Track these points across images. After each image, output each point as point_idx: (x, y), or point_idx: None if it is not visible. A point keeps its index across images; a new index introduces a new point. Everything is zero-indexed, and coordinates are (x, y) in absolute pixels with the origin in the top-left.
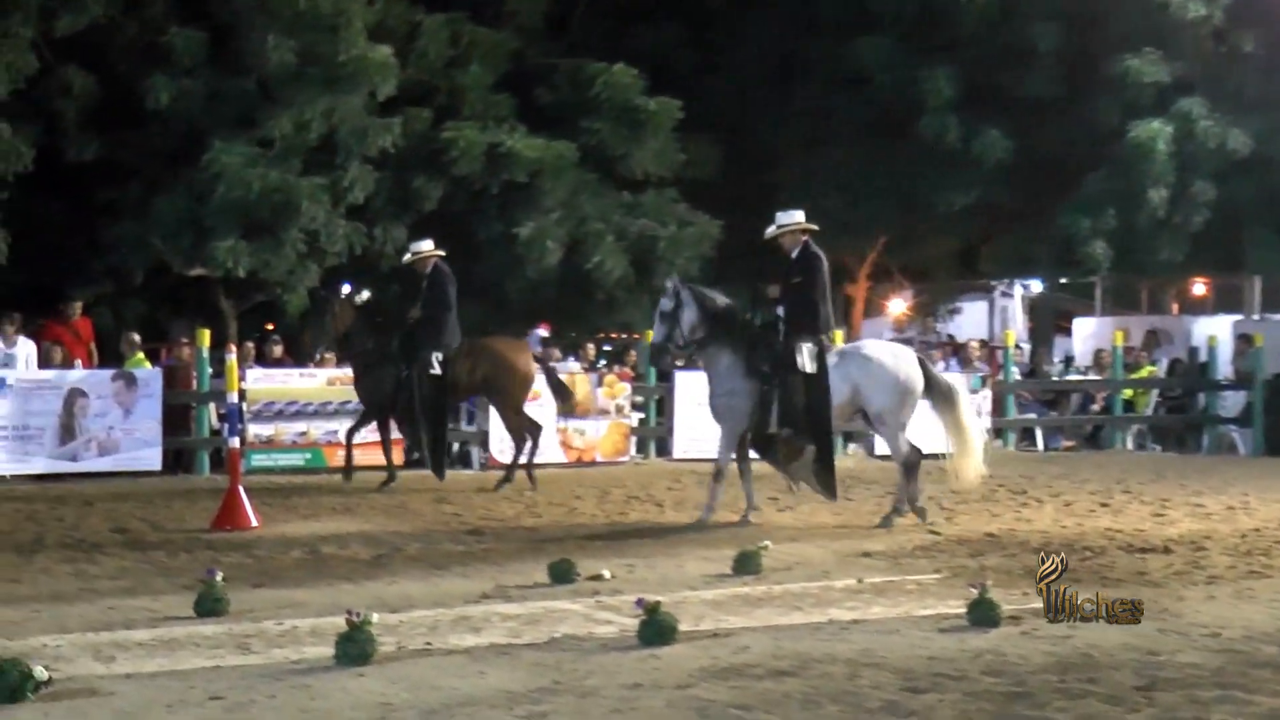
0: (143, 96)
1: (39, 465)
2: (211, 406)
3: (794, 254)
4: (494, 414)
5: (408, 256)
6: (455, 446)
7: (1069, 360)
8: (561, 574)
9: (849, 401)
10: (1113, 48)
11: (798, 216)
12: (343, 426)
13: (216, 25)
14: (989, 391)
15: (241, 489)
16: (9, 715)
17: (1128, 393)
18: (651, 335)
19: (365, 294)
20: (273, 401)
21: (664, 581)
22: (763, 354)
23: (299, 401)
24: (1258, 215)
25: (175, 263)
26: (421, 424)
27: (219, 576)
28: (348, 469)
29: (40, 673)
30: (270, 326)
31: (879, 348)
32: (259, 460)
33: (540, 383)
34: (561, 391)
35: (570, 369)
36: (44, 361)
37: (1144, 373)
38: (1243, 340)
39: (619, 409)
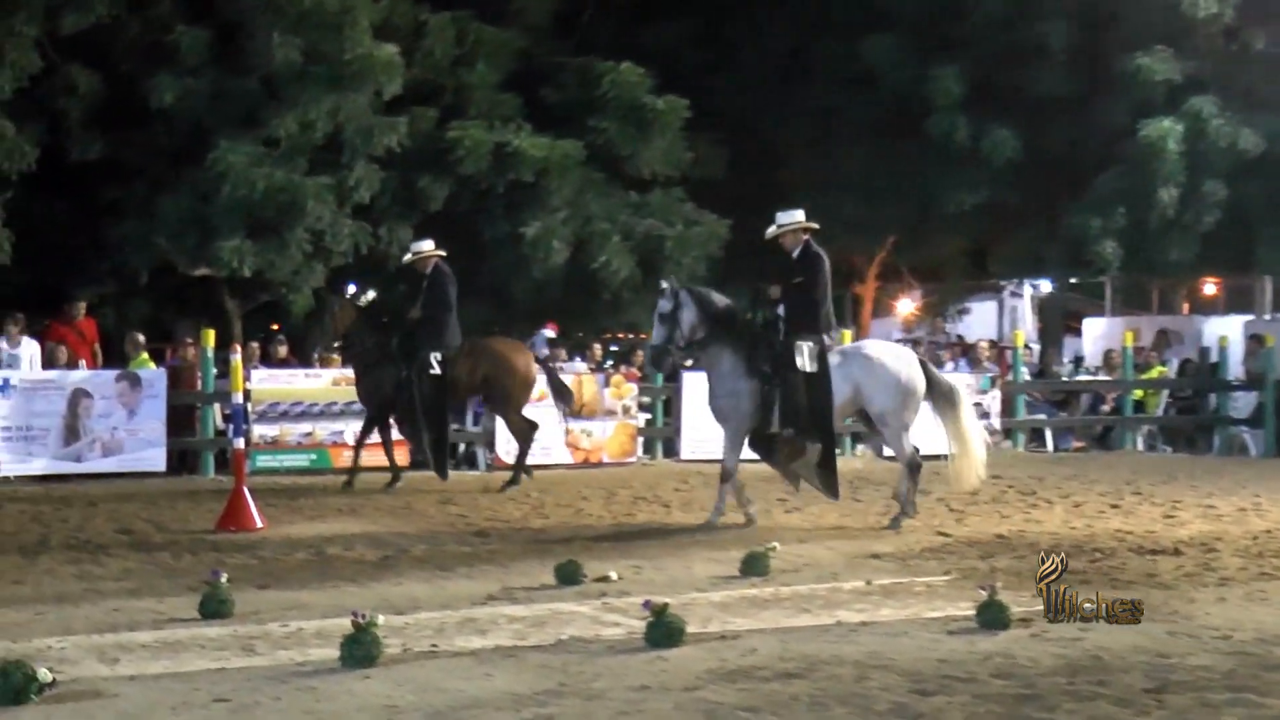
0: (147, 95)
1: (43, 466)
2: (216, 407)
3: (795, 253)
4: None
5: (408, 256)
6: (461, 448)
7: (1079, 361)
8: (568, 576)
9: (850, 401)
10: (1123, 46)
11: (798, 216)
12: (348, 427)
13: (221, 24)
14: (998, 392)
15: (246, 490)
16: (13, 717)
17: (1138, 393)
18: (651, 338)
19: (371, 294)
20: (278, 402)
21: (671, 583)
22: (763, 354)
23: (304, 402)
24: (1269, 215)
25: (180, 263)
26: (422, 424)
27: (224, 578)
28: (352, 473)
29: (44, 675)
30: (275, 327)
31: (880, 348)
32: (264, 461)
33: (542, 383)
34: (563, 392)
35: (577, 369)
36: (48, 362)
37: (1154, 373)
38: (1254, 340)
39: (626, 410)
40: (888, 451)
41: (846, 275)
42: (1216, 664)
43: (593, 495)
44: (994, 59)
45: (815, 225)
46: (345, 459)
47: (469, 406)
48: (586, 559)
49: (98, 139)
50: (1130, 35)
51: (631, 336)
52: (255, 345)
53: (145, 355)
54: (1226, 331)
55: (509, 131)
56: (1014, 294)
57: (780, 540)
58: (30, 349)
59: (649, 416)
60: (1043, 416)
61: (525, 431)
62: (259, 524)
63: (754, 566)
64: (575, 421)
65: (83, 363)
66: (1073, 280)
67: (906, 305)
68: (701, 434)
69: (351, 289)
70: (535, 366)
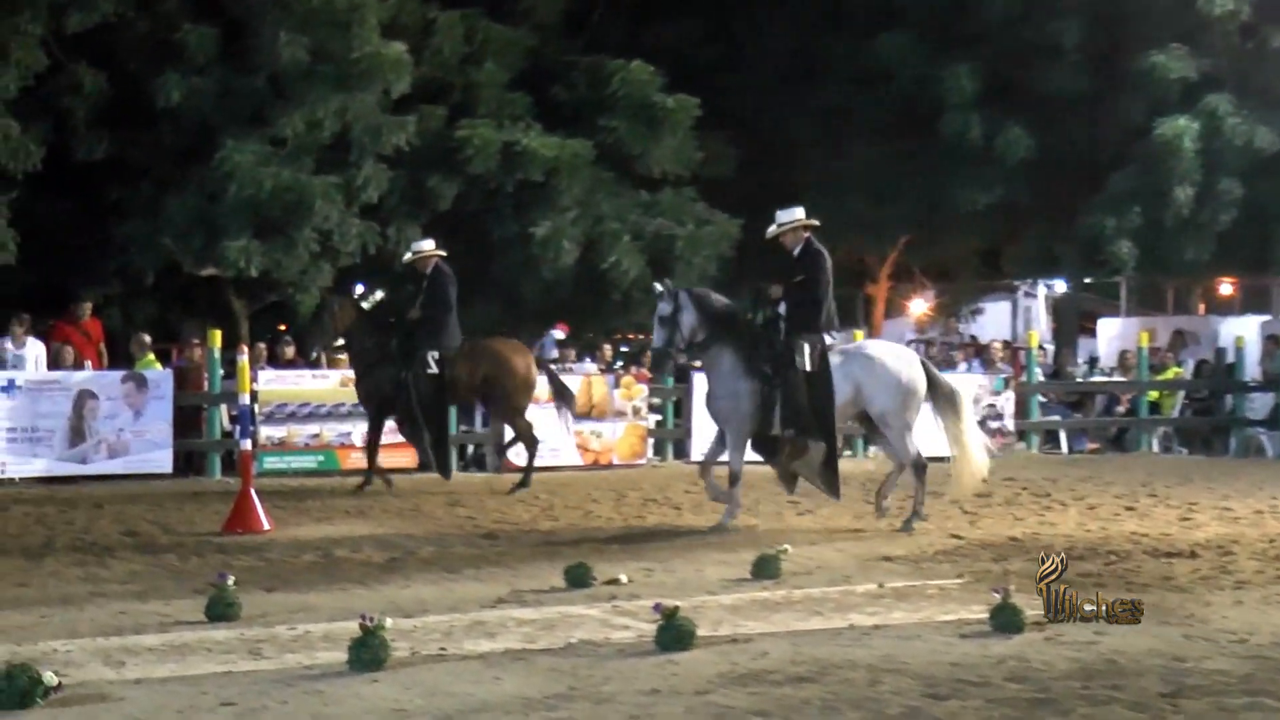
0: (153, 94)
1: (48, 468)
2: (223, 408)
3: (796, 251)
4: None
5: (408, 256)
6: (470, 449)
7: (1093, 361)
8: (578, 578)
9: (851, 402)
10: (1138, 43)
11: (798, 214)
12: (356, 429)
13: (228, 22)
14: (1012, 393)
15: (253, 492)
16: None
17: (1153, 394)
18: (652, 341)
19: (379, 294)
20: (285, 403)
21: (682, 586)
22: (764, 354)
23: (311, 403)
24: None
25: (186, 263)
26: (421, 424)
27: (230, 580)
28: (367, 475)
29: (50, 678)
30: (282, 327)
31: (881, 347)
32: (271, 463)
33: (543, 385)
34: (564, 394)
35: (586, 370)
36: (53, 363)
37: (1170, 374)
38: (1270, 341)
39: (636, 411)
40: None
41: (858, 275)
42: (1233, 668)
43: (602, 497)
44: (1007, 57)
45: (816, 223)
46: (353, 461)
47: (477, 408)
48: (596, 561)
49: (103, 138)
50: (1145, 32)
51: (641, 337)
52: (262, 346)
53: (151, 356)
54: (1243, 332)
55: (518, 130)
56: (1028, 294)
57: (792, 543)
58: (35, 349)
59: (659, 418)
60: (1057, 418)
61: (530, 434)
62: (266, 526)
63: (765, 569)
64: (585, 423)
65: (88, 363)
66: (1087, 280)
67: (919, 305)
68: (712, 435)
69: (359, 289)
70: (536, 367)
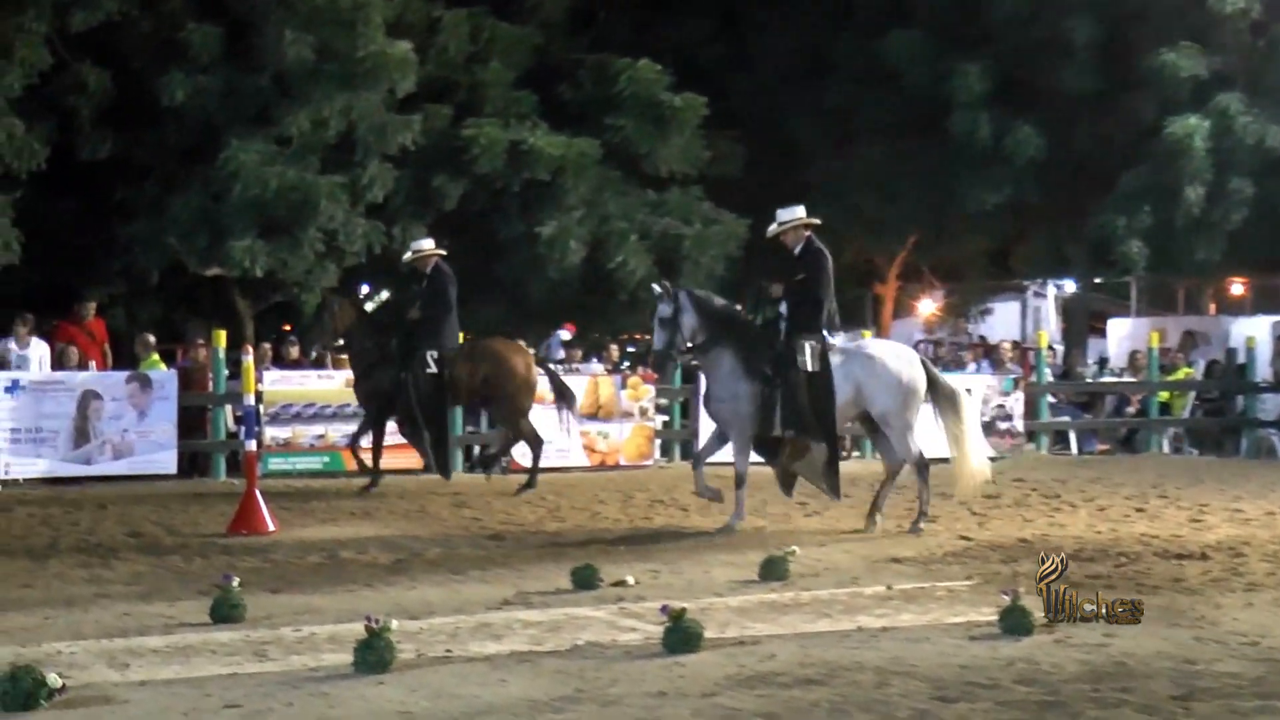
0: (158, 93)
1: (52, 468)
2: (228, 409)
3: (797, 251)
4: None
5: (408, 255)
6: (476, 450)
7: (1103, 362)
8: (584, 580)
9: (852, 402)
10: (1149, 41)
11: (799, 212)
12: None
13: (233, 21)
14: (1021, 394)
15: (258, 493)
16: None
17: (1164, 395)
18: (653, 343)
19: (385, 294)
20: (290, 404)
21: (689, 587)
22: (764, 355)
23: (316, 404)
24: None
25: (191, 262)
26: (421, 425)
27: (235, 582)
28: (374, 475)
29: (54, 680)
30: (287, 327)
31: (882, 347)
32: (276, 463)
33: (544, 385)
34: (565, 393)
35: (593, 371)
36: (58, 363)
37: (1180, 374)
38: None
39: (643, 411)
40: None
41: (867, 275)
42: (1244, 671)
43: (609, 498)
44: (1017, 55)
45: (817, 221)
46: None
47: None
48: (603, 563)
49: (108, 137)
50: (1156, 30)
51: (649, 337)
52: (267, 346)
53: (156, 356)
54: (1254, 332)
55: (524, 129)
56: (1037, 294)
57: (800, 544)
58: (39, 350)
59: (666, 418)
60: (1067, 419)
61: (530, 440)
62: (271, 527)
63: (773, 571)
64: (592, 423)
65: (92, 364)
66: (1097, 280)
67: (928, 305)
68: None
69: (365, 289)
70: (536, 368)
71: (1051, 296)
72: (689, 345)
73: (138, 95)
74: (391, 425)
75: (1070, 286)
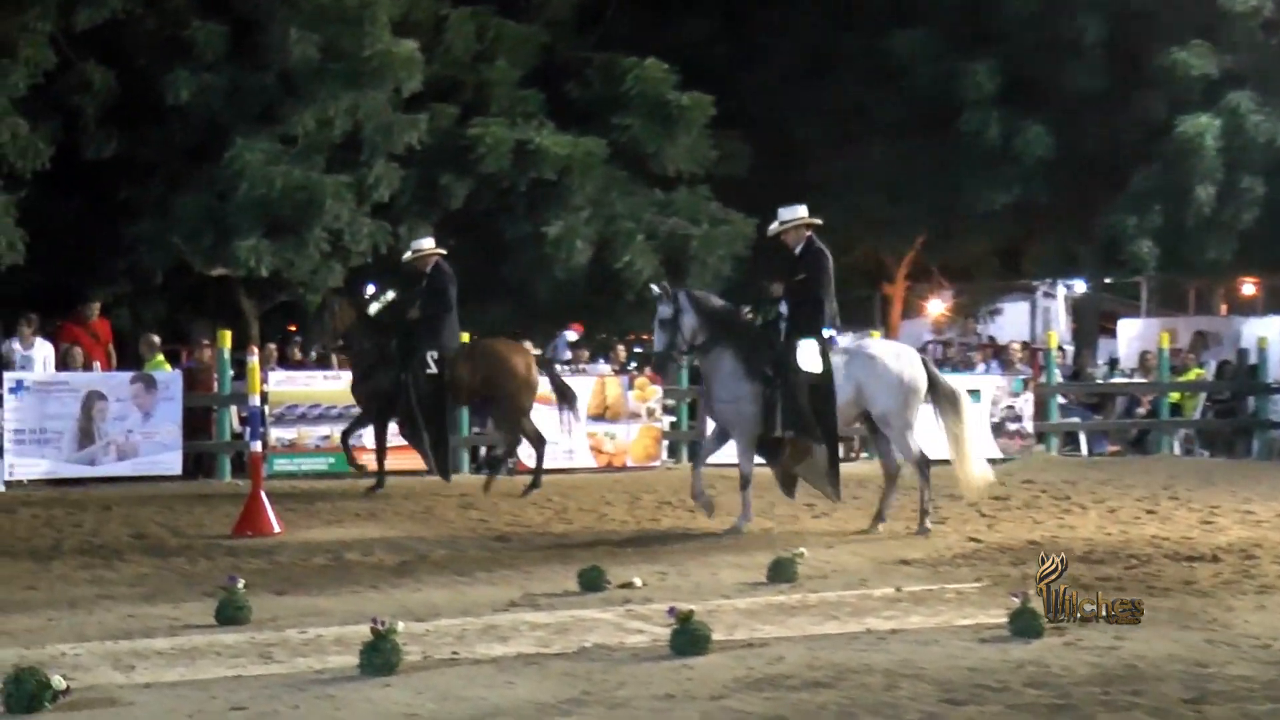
0: (163, 92)
1: (56, 469)
2: (233, 409)
3: (798, 250)
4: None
5: (408, 254)
6: (482, 451)
7: (1114, 362)
8: (591, 582)
9: (853, 402)
10: (1160, 40)
11: (801, 212)
12: (367, 431)
13: (238, 19)
14: (1030, 395)
15: (263, 494)
16: None
17: (1174, 396)
18: (654, 344)
19: (390, 294)
20: (295, 404)
21: (697, 589)
22: (765, 355)
23: (322, 404)
24: None
25: (196, 262)
26: (420, 425)
27: (240, 583)
28: (379, 477)
29: (58, 682)
30: (293, 328)
31: (882, 346)
32: (281, 465)
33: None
34: (566, 394)
35: (600, 371)
36: (62, 363)
37: (1191, 375)
38: None
39: (650, 412)
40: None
41: (875, 275)
42: (1256, 674)
43: (616, 500)
44: (1027, 54)
45: (818, 221)
46: (364, 463)
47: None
48: (610, 565)
49: (113, 136)
50: (1166, 29)
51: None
52: (273, 346)
53: (160, 357)
54: (1265, 332)
55: (531, 129)
56: (1047, 294)
57: (808, 546)
58: (43, 350)
59: (674, 419)
60: (1077, 420)
61: (532, 440)
62: (276, 529)
63: (781, 573)
64: (599, 424)
65: (97, 364)
66: (1107, 280)
67: (937, 306)
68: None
69: (370, 289)
70: (537, 368)
71: (1061, 297)
72: (690, 346)
73: (142, 94)
74: (393, 426)
75: (1080, 287)
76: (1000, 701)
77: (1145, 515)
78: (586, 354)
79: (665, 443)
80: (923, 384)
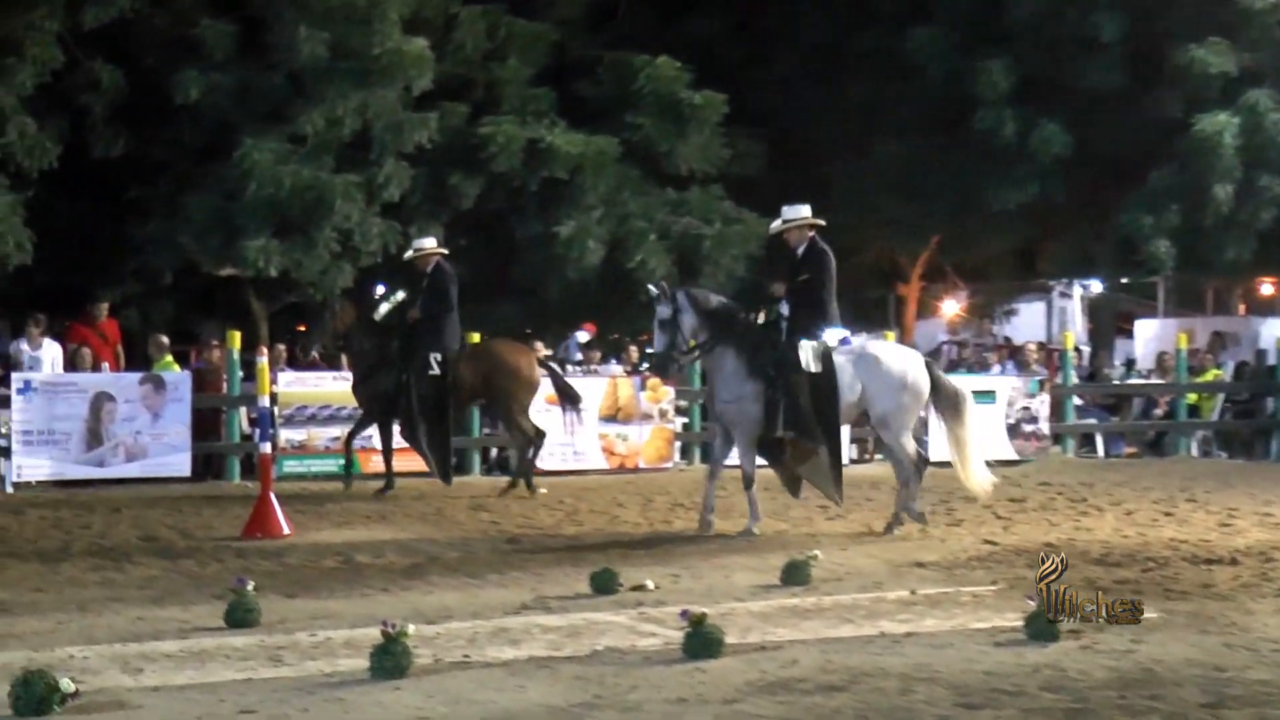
0: (171, 91)
1: (65, 471)
2: (242, 411)
3: (800, 250)
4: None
5: (409, 254)
6: (493, 452)
7: (1130, 363)
8: (603, 584)
9: (856, 404)
10: (1177, 37)
11: (804, 211)
12: (376, 432)
13: (246, 18)
14: (1047, 396)
15: (273, 496)
16: None
17: (1192, 397)
18: (654, 345)
19: (400, 294)
20: (305, 405)
21: (710, 592)
22: (767, 354)
23: (332, 405)
24: None
25: (205, 262)
26: (421, 427)
27: (250, 586)
28: (388, 478)
29: (67, 685)
30: (303, 328)
31: (885, 348)
32: (291, 466)
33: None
34: (569, 395)
35: (612, 372)
36: (70, 364)
37: (1209, 376)
38: None
39: (662, 414)
40: (936, 456)
41: (890, 275)
42: (1276, 678)
43: (628, 501)
44: (1042, 52)
45: (821, 222)
46: (374, 464)
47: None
48: (622, 567)
49: (121, 136)
50: (1184, 26)
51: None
52: (282, 347)
53: (169, 357)
54: None
55: (542, 127)
56: (1063, 294)
57: (822, 548)
58: (52, 351)
59: (686, 420)
60: (1093, 421)
61: (533, 439)
62: (286, 531)
63: (795, 575)
64: (611, 425)
65: (105, 365)
66: (1124, 280)
67: (952, 306)
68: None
69: (380, 289)
70: (539, 369)
71: (1078, 297)
72: (690, 345)
73: (151, 93)
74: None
75: (1097, 287)
76: (1016, 706)
77: (1163, 517)
78: (598, 355)
79: (677, 444)
80: (925, 388)
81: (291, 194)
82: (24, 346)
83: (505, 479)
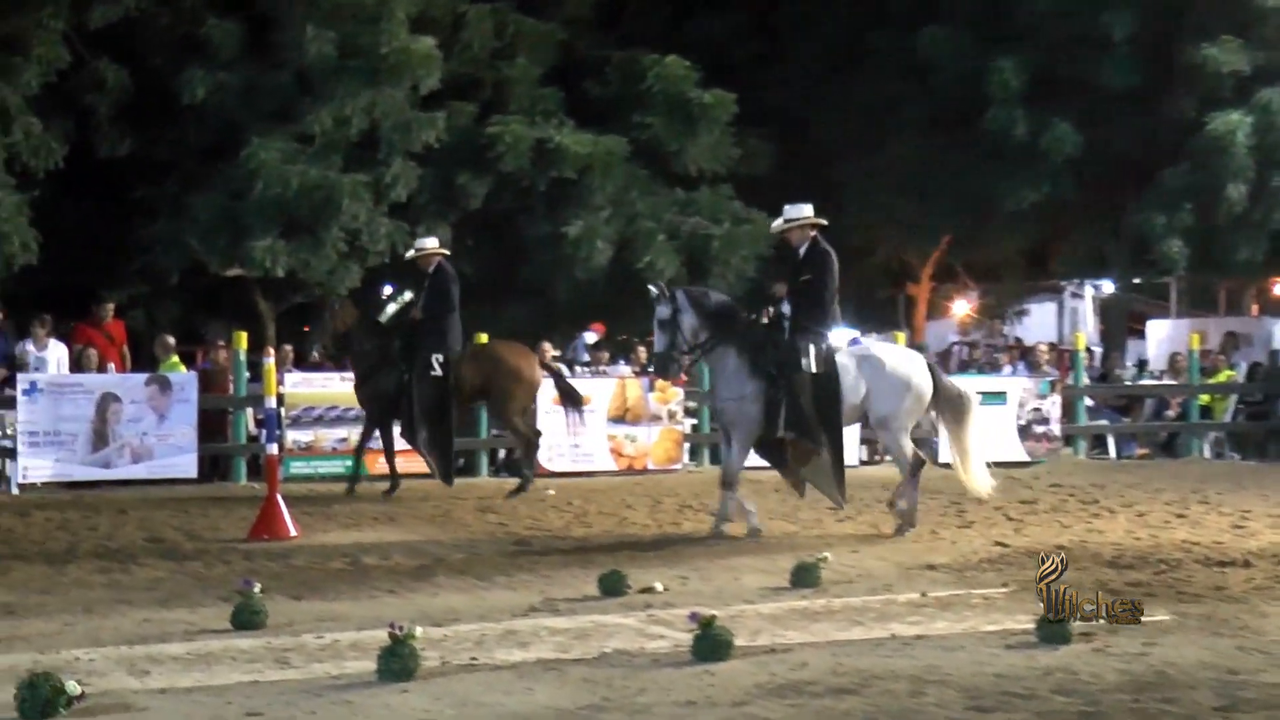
0: (178, 91)
1: (70, 472)
2: (249, 411)
3: (802, 250)
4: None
5: (410, 254)
6: (501, 453)
7: (1142, 364)
8: (612, 586)
9: (858, 406)
10: (1190, 36)
11: (806, 211)
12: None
13: (253, 17)
14: (1058, 397)
15: (280, 497)
16: None
17: (1205, 398)
18: (654, 345)
19: (408, 295)
20: (312, 406)
21: (719, 594)
22: (769, 355)
23: (339, 406)
24: None
25: (211, 263)
26: (422, 428)
27: (257, 588)
28: (393, 480)
29: (73, 687)
30: (309, 329)
31: (888, 349)
32: (298, 467)
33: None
34: (572, 396)
35: (621, 372)
36: (76, 365)
37: (1222, 377)
38: None
39: (671, 415)
40: (944, 458)
41: (900, 275)
42: None
43: (637, 503)
44: (1054, 51)
45: (824, 222)
46: (381, 466)
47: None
48: (631, 569)
49: (127, 135)
50: (1197, 25)
51: None
52: (289, 348)
53: (175, 358)
54: None
55: (550, 127)
56: (1075, 295)
57: (832, 550)
58: (57, 351)
59: (695, 422)
60: (1105, 422)
61: (529, 440)
62: (293, 532)
63: (805, 578)
64: (619, 427)
65: (111, 366)
66: (1136, 280)
67: (963, 306)
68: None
69: (388, 289)
70: (540, 370)
71: (1089, 297)
72: (691, 346)
73: (157, 92)
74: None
75: (1108, 287)
76: (1028, 709)
77: (1175, 519)
78: (606, 355)
79: (686, 445)
80: (928, 390)
81: (299, 194)
82: (29, 347)
83: (513, 481)
